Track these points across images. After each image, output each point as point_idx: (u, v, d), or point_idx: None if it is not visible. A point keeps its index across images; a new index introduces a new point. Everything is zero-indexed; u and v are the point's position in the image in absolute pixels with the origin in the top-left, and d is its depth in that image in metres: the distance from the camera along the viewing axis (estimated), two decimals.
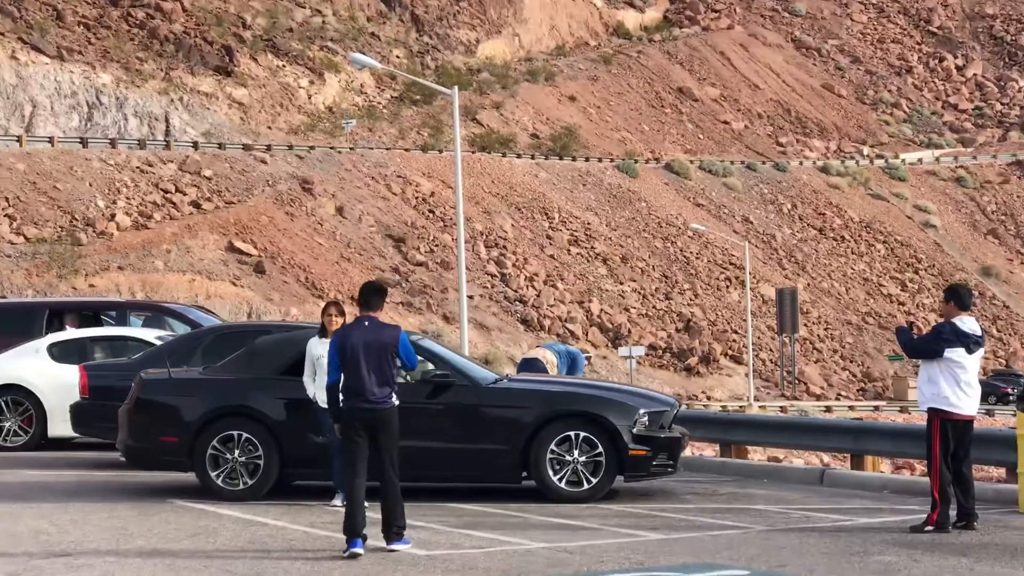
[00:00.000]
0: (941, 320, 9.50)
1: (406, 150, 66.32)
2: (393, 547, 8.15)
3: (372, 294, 8.22)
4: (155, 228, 51.33)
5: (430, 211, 60.84)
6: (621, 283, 61.97)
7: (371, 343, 8.04)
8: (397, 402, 8.20)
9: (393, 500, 8.15)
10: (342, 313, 9.84)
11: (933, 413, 9.20)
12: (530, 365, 14.51)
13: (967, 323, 9.30)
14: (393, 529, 8.17)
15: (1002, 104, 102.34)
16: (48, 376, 14.63)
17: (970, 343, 9.23)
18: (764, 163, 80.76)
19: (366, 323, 8.11)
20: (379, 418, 8.08)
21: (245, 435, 10.62)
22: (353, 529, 8.06)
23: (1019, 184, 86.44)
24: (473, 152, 67.46)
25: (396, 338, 8.11)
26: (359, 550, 8.00)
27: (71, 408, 13.54)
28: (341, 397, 8.16)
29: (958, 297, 9.38)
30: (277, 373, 10.87)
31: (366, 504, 8.20)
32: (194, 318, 16.97)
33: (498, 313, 55.74)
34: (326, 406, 8.80)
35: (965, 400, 9.19)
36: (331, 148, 63.47)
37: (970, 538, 8.86)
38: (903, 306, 70.11)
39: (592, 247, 63.82)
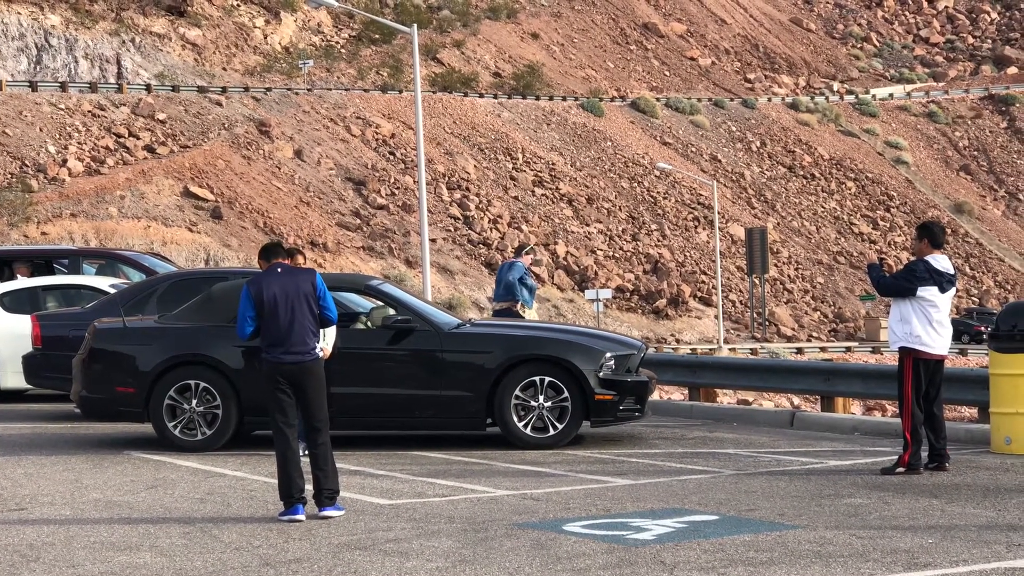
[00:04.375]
0: (913, 258, 9.36)
1: (365, 91, 65.36)
2: (325, 512, 7.56)
3: (271, 251, 7.94)
4: (108, 174, 50.32)
5: (391, 153, 60.13)
6: (587, 224, 61.71)
7: (288, 290, 7.68)
8: (321, 353, 7.78)
9: (323, 461, 7.57)
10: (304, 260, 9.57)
11: (905, 352, 9.10)
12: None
13: (940, 261, 9.17)
14: (325, 493, 7.57)
15: (974, 37, 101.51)
16: None
17: (943, 281, 9.11)
18: (732, 100, 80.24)
19: (279, 270, 7.79)
20: (305, 370, 7.65)
21: (203, 384, 10.43)
22: (290, 492, 7.50)
23: (991, 119, 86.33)
24: (434, 92, 66.63)
25: (313, 282, 7.75)
26: (300, 516, 7.48)
27: (23, 359, 13.28)
28: (262, 351, 7.75)
29: (931, 234, 9.24)
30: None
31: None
32: (149, 265, 16.62)
33: (462, 256, 55.39)
34: None
35: (937, 339, 9.10)
36: (288, 90, 62.42)
37: (942, 479, 8.82)
38: (875, 244, 70.38)
39: (557, 188, 63.43)
